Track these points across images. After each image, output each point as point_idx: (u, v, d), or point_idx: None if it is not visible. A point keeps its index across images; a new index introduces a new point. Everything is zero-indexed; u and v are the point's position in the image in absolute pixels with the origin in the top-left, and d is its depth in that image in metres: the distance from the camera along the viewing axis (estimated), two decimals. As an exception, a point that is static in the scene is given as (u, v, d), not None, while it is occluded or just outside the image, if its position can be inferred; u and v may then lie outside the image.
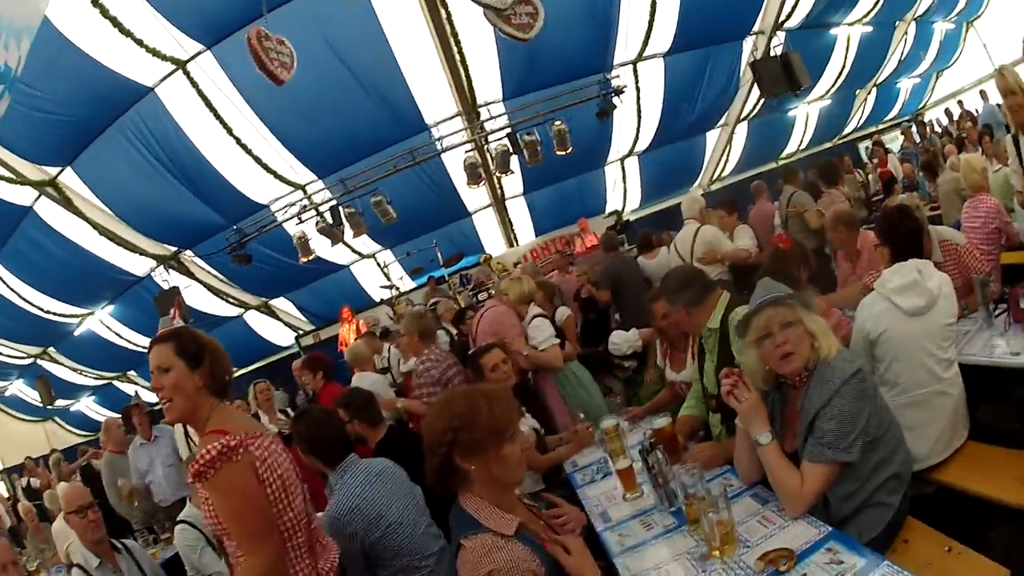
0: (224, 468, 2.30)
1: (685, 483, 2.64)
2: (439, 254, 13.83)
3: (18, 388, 18.52)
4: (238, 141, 11.23)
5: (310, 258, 12.44)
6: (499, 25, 6.23)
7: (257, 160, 11.69)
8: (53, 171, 11.40)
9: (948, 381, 3.24)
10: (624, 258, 9.24)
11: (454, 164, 12.86)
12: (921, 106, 23.30)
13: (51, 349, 16.73)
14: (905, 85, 21.59)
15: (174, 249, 13.55)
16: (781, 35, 13.61)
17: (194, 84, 10.34)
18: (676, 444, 3.45)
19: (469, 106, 12.21)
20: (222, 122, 10.91)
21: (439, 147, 12.21)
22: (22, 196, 11.67)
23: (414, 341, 5.89)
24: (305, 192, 12.80)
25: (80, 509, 4.12)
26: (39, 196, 11.75)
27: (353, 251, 15.09)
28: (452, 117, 12.44)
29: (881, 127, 21.85)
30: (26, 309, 14.20)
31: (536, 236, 16.41)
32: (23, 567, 6.49)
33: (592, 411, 5.04)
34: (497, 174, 12.58)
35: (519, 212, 15.93)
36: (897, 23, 17.60)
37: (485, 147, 12.27)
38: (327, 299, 15.87)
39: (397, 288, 14.45)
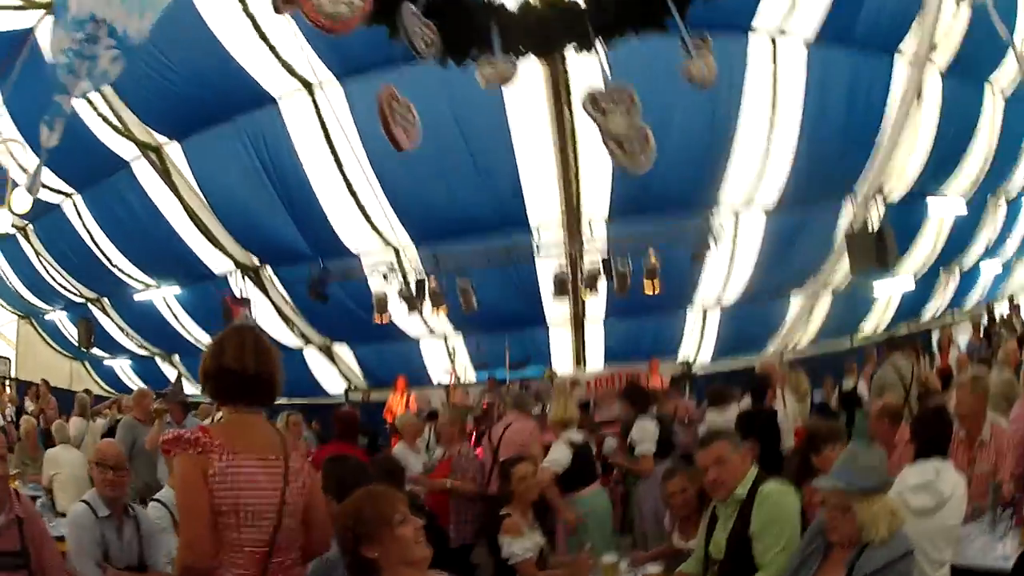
0: (178, 455, 2.36)
1: None
2: (507, 355, 13.35)
3: (59, 318, 18.64)
4: (345, 179, 11.08)
5: (385, 320, 12.31)
6: (614, 151, 5.83)
7: (361, 208, 11.55)
8: (160, 139, 11.50)
9: None
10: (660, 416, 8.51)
11: (544, 270, 12.51)
12: (999, 295, 21.28)
13: (105, 301, 16.78)
14: (987, 272, 19.91)
15: (256, 262, 13.47)
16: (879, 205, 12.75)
17: (317, 110, 10.30)
18: None
19: (573, 218, 11.90)
20: (335, 156, 10.78)
21: (536, 251, 11.97)
22: (124, 149, 11.84)
23: (455, 431, 6.47)
24: (397, 254, 12.56)
25: (103, 465, 3.94)
26: (139, 156, 11.89)
27: (426, 325, 14.54)
28: (553, 225, 12.14)
29: (957, 319, 19.74)
30: (94, 253, 14.39)
31: (605, 363, 15.47)
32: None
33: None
34: (584, 295, 12.29)
35: (594, 335, 15.21)
36: (989, 197, 16.41)
37: (579, 263, 11.96)
38: (387, 363, 15.18)
39: (458, 377, 14.00)
